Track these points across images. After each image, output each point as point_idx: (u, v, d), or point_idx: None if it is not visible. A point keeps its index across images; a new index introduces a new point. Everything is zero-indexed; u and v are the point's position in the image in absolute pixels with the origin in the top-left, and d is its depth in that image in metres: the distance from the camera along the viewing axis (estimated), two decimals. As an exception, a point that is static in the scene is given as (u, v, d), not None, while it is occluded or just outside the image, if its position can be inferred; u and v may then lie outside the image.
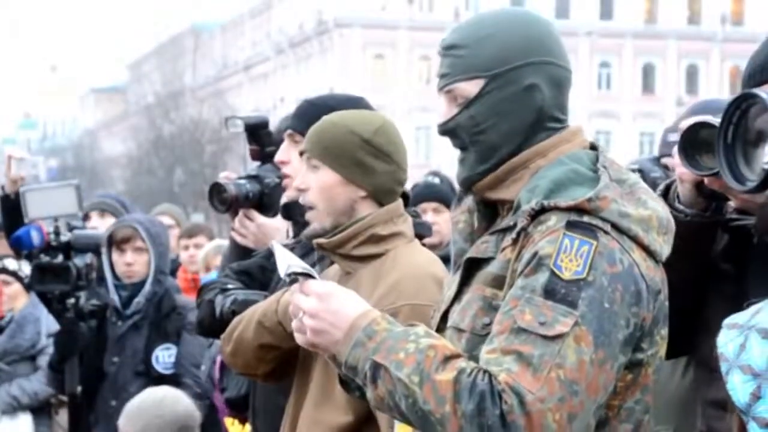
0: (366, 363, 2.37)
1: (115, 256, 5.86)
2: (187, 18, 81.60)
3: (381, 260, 3.22)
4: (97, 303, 5.86)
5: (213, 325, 3.87)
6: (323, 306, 2.43)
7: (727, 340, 1.82)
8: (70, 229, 5.90)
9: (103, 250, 5.87)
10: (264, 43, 72.25)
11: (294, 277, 2.47)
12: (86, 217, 7.02)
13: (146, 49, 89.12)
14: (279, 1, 70.94)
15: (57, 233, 5.77)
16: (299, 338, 2.49)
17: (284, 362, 3.39)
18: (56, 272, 5.77)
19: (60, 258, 5.78)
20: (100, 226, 6.66)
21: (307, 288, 2.45)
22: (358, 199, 3.24)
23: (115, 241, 5.86)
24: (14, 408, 6.58)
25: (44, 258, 5.76)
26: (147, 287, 5.84)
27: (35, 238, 5.71)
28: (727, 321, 1.85)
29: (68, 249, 5.80)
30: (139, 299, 5.84)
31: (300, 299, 2.46)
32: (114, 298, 5.86)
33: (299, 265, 2.47)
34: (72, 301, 5.78)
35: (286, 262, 2.48)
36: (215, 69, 75.95)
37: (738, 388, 1.79)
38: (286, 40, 68.92)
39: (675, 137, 3.63)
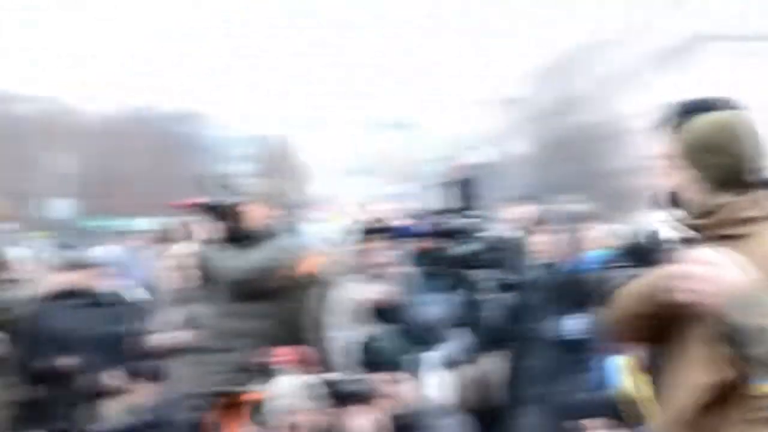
0: (750, 325, 2.62)
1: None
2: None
3: (744, 240, 3.26)
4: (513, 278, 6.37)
5: None
6: (714, 273, 2.72)
7: None
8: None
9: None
10: (642, 56, 75.64)
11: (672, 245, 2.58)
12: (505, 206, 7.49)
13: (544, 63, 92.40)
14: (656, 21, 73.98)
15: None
16: (684, 298, 2.77)
17: (655, 329, 3.46)
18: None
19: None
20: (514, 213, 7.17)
21: (696, 257, 2.76)
22: (702, 190, 3.34)
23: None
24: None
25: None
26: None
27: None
28: None
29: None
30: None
31: (691, 266, 2.75)
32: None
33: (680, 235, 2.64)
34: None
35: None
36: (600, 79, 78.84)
37: None
38: (662, 53, 68.05)
39: None
